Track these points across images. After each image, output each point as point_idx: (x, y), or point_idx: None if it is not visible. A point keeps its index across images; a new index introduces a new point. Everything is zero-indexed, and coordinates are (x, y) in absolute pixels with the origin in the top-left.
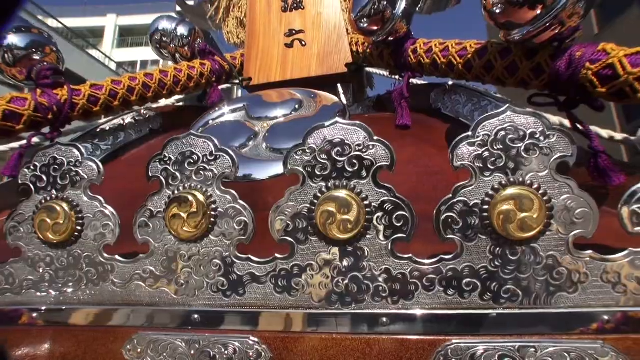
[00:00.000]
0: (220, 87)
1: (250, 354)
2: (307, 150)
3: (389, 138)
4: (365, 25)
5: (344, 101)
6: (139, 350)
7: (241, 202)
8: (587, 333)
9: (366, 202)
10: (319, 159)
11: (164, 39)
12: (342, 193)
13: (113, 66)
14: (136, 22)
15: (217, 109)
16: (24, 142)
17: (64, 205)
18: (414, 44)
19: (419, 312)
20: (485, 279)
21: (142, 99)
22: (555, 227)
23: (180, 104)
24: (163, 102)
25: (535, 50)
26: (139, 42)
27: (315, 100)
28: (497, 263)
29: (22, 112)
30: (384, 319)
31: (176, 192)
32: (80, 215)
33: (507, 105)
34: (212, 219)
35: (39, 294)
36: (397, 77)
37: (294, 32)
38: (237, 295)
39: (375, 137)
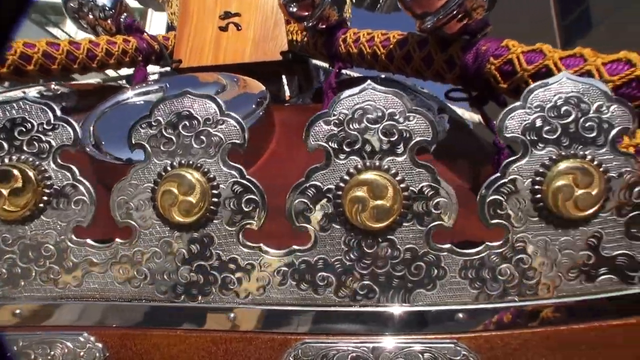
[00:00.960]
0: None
1: (82, 354)
2: (153, 123)
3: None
4: (295, 9)
5: (287, 93)
6: None
7: (81, 179)
8: (442, 332)
9: (213, 183)
10: (165, 134)
11: (83, 7)
12: (187, 172)
13: None
14: None
15: (132, 89)
16: None
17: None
18: (345, 33)
19: (269, 307)
20: (340, 273)
21: (45, 71)
22: (413, 218)
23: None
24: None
25: (448, 42)
26: None
27: (238, 85)
28: (352, 256)
29: None
30: (232, 315)
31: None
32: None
33: (368, 82)
34: (44, 198)
35: None
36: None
37: (229, 14)
38: (73, 285)
39: (227, 112)
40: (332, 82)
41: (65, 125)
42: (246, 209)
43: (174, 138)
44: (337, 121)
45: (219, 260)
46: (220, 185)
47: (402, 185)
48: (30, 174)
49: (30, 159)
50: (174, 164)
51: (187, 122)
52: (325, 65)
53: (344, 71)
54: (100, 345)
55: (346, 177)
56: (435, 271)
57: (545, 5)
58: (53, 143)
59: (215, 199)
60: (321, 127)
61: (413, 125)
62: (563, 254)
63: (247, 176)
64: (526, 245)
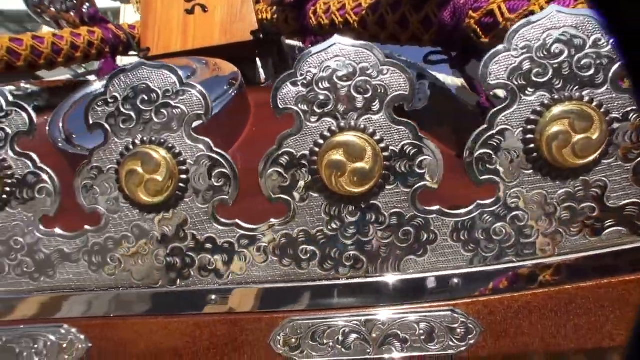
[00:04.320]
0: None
1: (64, 346)
2: (110, 100)
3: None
4: None
5: (263, 75)
6: None
7: (43, 166)
8: (437, 300)
9: (180, 159)
10: (123, 110)
11: (44, 1)
12: (150, 150)
13: None
14: None
15: (99, 80)
16: None
17: None
18: (314, 4)
19: (252, 286)
20: (323, 245)
21: (9, 67)
22: (396, 180)
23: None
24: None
25: (423, 1)
26: None
27: (209, 68)
28: (334, 225)
29: None
30: (213, 297)
31: None
32: None
33: (335, 36)
34: (7, 188)
35: None
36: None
37: None
38: (47, 277)
39: (187, 81)
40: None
41: (19, 110)
42: (217, 184)
43: (133, 114)
44: (305, 81)
45: (195, 241)
46: (188, 161)
47: (381, 145)
48: None
49: None
50: (136, 141)
51: (145, 96)
52: (299, 43)
53: None
54: (82, 336)
55: (320, 141)
56: (425, 236)
57: None
58: (8, 130)
59: (183, 176)
60: (289, 89)
61: (388, 79)
62: (563, 208)
63: (215, 149)
64: (520, 200)
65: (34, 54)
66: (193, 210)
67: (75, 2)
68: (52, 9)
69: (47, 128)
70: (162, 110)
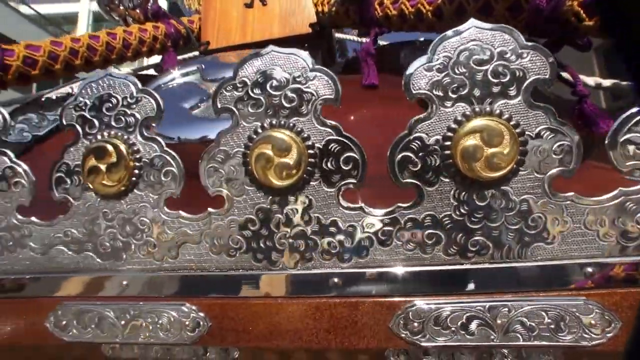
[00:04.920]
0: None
1: (187, 323)
2: (239, 85)
3: (355, 99)
4: None
5: None
6: (64, 322)
7: (168, 150)
8: (567, 289)
9: (308, 143)
10: (252, 94)
11: (115, 0)
12: (279, 133)
13: None
14: None
15: (168, 72)
16: None
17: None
18: None
19: (374, 270)
20: (450, 230)
21: (88, 63)
22: (530, 165)
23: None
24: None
25: None
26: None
27: None
28: (462, 210)
29: None
30: (335, 280)
31: (94, 141)
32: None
33: (471, 20)
34: (135, 171)
35: None
36: (365, 39)
37: None
38: (170, 257)
39: (317, 66)
40: (371, 49)
41: (148, 97)
42: (345, 168)
43: (262, 98)
44: (440, 66)
45: (319, 224)
46: (316, 145)
47: (517, 130)
48: (122, 148)
49: (120, 134)
50: (265, 125)
51: (274, 81)
52: (351, 37)
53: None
54: (202, 314)
55: (454, 126)
56: (557, 222)
57: None
58: (138, 116)
59: (312, 159)
60: (423, 74)
61: (527, 63)
62: None
63: (345, 133)
64: None
65: (108, 49)
66: (319, 193)
67: (140, 0)
68: (122, 7)
69: None
70: (291, 95)
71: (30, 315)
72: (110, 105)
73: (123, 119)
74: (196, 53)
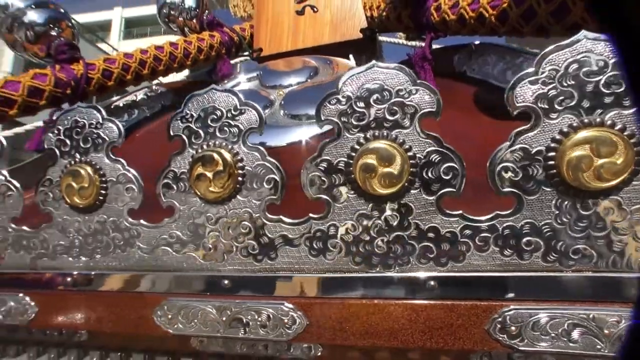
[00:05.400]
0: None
1: (285, 320)
2: (342, 99)
3: None
4: None
5: None
6: (170, 316)
7: (270, 159)
8: None
9: (410, 154)
10: (356, 108)
11: (172, 12)
12: (383, 144)
13: None
14: (141, 13)
15: (232, 78)
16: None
17: (88, 168)
18: (436, 0)
19: (470, 274)
20: (549, 238)
21: (154, 72)
22: None
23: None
24: (169, 78)
25: None
26: (144, 33)
27: (332, 66)
28: (564, 219)
29: (44, 87)
30: (432, 283)
31: (199, 150)
32: (103, 179)
33: (582, 31)
34: (239, 178)
35: (70, 259)
36: (413, 42)
37: None
38: (269, 259)
39: (419, 81)
40: (427, 53)
41: (251, 109)
42: (445, 177)
43: (366, 112)
44: (546, 79)
45: (417, 230)
46: (417, 155)
47: (632, 141)
48: (227, 156)
49: (224, 143)
50: (368, 136)
51: (378, 95)
52: (396, 40)
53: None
54: (300, 313)
55: (558, 137)
56: None
57: None
58: (241, 127)
59: (413, 169)
60: (527, 87)
61: None
62: None
63: (446, 144)
64: None
65: (171, 58)
66: (419, 201)
67: (197, 11)
68: (180, 19)
69: None
70: (394, 108)
71: (139, 308)
72: (215, 117)
73: (227, 129)
74: (240, 59)
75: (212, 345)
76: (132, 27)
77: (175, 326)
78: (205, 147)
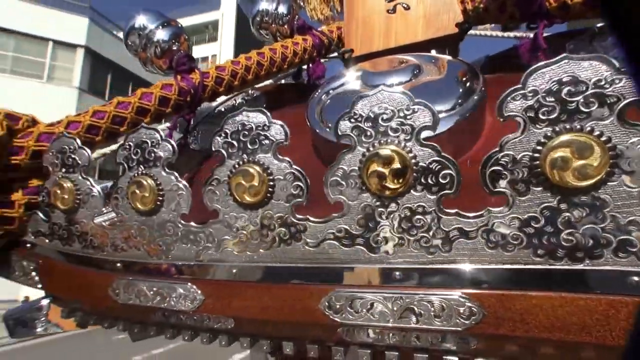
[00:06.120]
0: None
1: (461, 311)
2: (529, 94)
3: None
4: None
5: None
6: (337, 306)
7: (446, 155)
8: None
9: (610, 145)
10: (544, 102)
11: (265, 19)
12: (578, 136)
13: None
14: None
15: (337, 78)
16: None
17: (257, 168)
18: None
19: None
20: None
21: (257, 77)
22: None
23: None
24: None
25: None
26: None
27: (437, 64)
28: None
29: (170, 97)
30: (635, 279)
31: (371, 148)
32: (271, 177)
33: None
34: (415, 174)
35: (236, 252)
36: (508, 34)
37: None
38: (442, 251)
39: (623, 69)
40: (541, 43)
41: (424, 108)
42: None
43: (556, 105)
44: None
45: (614, 223)
46: (618, 146)
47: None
48: (403, 153)
49: (397, 142)
50: (558, 129)
51: (571, 88)
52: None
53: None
54: (477, 303)
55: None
56: None
57: None
58: (414, 125)
59: (613, 161)
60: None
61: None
62: None
63: None
64: None
65: (271, 63)
66: (619, 193)
67: (289, 17)
68: (273, 25)
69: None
70: (592, 99)
71: (305, 299)
72: (386, 116)
73: (400, 127)
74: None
75: (360, 335)
76: (246, 22)
77: (344, 316)
78: (377, 144)
